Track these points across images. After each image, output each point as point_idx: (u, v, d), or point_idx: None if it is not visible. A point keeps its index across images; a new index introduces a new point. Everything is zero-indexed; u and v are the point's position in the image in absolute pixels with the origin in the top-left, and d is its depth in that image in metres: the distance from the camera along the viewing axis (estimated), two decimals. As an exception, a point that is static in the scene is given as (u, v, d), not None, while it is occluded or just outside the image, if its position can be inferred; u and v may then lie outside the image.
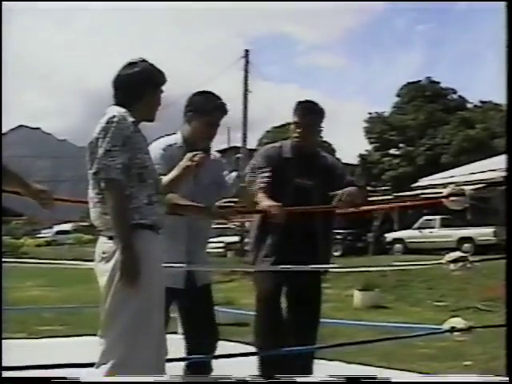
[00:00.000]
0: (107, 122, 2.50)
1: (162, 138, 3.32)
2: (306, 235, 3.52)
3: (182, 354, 3.16)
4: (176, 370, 2.81)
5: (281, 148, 3.65)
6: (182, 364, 3.15)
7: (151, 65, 2.68)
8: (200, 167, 2.89)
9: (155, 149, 3.16)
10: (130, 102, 2.59)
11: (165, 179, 2.82)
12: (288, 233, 3.45)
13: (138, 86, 2.61)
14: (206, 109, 3.21)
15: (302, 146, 3.58)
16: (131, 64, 2.66)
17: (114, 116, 2.50)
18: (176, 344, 2.72)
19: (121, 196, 2.43)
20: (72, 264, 5.46)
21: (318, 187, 3.54)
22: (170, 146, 3.22)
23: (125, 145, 2.47)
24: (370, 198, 4.03)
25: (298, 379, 3.26)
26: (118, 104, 2.60)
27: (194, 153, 2.85)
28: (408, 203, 6.63)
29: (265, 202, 3.38)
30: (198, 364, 3.16)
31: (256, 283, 3.66)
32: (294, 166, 3.53)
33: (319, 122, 3.65)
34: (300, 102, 3.65)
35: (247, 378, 2.79)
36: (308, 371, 3.53)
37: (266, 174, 3.44)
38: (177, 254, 3.11)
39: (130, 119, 2.54)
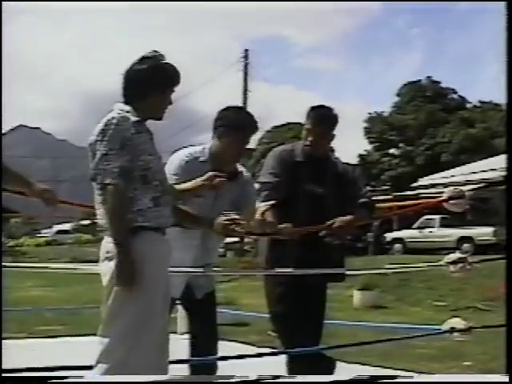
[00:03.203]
0: (106, 124, 2.42)
1: (192, 146, 3.19)
2: (318, 241, 3.44)
3: (183, 354, 3.16)
4: (177, 370, 2.81)
5: (293, 151, 3.51)
6: (186, 365, 3.15)
7: (164, 62, 2.56)
8: (215, 190, 2.84)
9: (177, 159, 3.08)
10: (136, 99, 2.51)
11: (176, 187, 2.78)
12: (300, 239, 3.37)
13: (144, 83, 2.51)
14: (240, 125, 3.07)
15: (313, 152, 3.50)
16: (142, 59, 2.55)
17: (113, 118, 2.43)
18: (176, 344, 2.71)
19: (117, 200, 2.36)
20: (71, 268, 5.47)
21: (329, 194, 3.48)
22: (195, 158, 3.08)
23: (124, 147, 2.39)
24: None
25: (303, 379, 3.21)
26: (125, 100, 2.53)
27: (216, 174, 2.79)
28: (408, 208, 6.58)
29: (272, 220, 3.27)
30: (202, 365, 3.14)
31: (270, 286, 3.53)
32: (305, 172, 3.43)
33: (332, 130, 3.49)
34: (313, 108, 3.48)
35: (248, 378, 2.77)
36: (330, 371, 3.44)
37: (276, 182, 3.37)
38: (185, 261, 3.06)
39: (133, 119, 2.46)
